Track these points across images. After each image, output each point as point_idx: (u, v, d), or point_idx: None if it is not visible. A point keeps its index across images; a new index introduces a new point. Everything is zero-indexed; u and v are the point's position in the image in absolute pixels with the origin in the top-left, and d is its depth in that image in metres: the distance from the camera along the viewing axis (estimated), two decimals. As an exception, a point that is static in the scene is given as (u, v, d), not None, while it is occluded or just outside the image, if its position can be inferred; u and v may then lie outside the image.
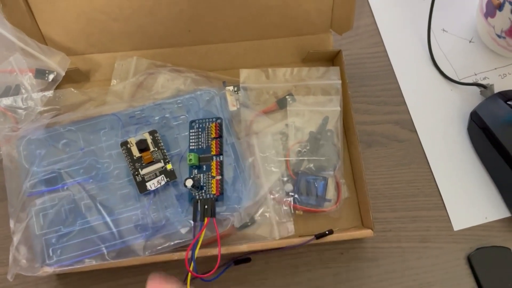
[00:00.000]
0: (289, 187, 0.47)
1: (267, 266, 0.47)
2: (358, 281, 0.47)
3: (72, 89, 0.48)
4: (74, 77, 0.50)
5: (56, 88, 0.48)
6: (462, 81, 0.54)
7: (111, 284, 0.46)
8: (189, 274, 0.39)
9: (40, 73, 0.47)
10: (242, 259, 0.46)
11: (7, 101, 0.46)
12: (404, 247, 0.48)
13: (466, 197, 0.50)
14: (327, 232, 0.44)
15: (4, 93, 0.48)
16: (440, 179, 0.50)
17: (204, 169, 0.44)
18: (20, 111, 0.46)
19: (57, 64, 0.47)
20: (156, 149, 0.44)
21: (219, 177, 0.44)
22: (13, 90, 0.47)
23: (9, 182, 0.43)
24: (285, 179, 0.48)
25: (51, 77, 0.47)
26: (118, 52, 0.51)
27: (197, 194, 0.43)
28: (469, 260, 0.48)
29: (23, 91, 0.47)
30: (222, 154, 0.45)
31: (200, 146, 0.45)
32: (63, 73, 0.47)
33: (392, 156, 0.51)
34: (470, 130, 0.52)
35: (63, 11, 0.47)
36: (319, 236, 0.44)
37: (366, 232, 0.44)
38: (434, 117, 0.53)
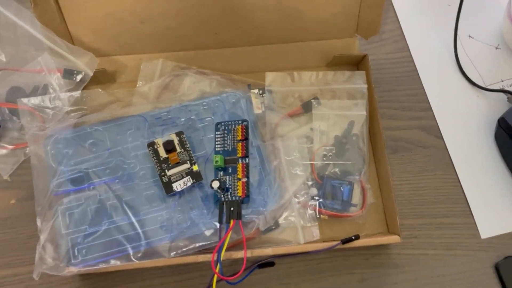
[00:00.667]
0: (314, 191, 0.47)
1: (291, 271, 0.46)
2: (383, 288, 0.46)
3: (99, 90, 0.48)
4: (100, 78, 0.51)
5: (83, 89, 0.48)
6: (488, 87, 0.54)
7: (134, 286, 0.46)
8: (215, 276, 0.39)
9: (68, 73, 0.48)
10: (266, 263, 0.46)
11: (35, 100, 0.47)
12: (430, 254, 0.47)
13: (494, 204, 0.49)
14: (353, 237, 0.43)
15: (32, 92, 0.48)
16: (467, 186, 0.50)
17: (230, 171, 0.44)
18: (47, 110, 0.46)
19: (85, 64, 0.47)
20: (182, 150, 0.44)
21: (245, 179, 0.44)
22: (41, 89, 0.48)
23: (36, 181, 0.43)
24: (310, 183, 0.47)
25: (79, 77, 0.48)
26: (144, 54, 0.51)
27: (222, 196, 0.43)
28: (496, 269, 0.47)
29: (51, 91, 0.48)
30: (248, 157, 0.45)
31: (226, 148, 0.45)
32: (91, 74, 0.48)
33: (417, 162, 0.51)
34: (498, 137, 0.51)
35: (92, 12, 0.47)
36: (345, 241, 0.43)
37: (393, 238, 0.44)
38: (460, 123, 0.52)
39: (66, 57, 0.47)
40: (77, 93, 0.47)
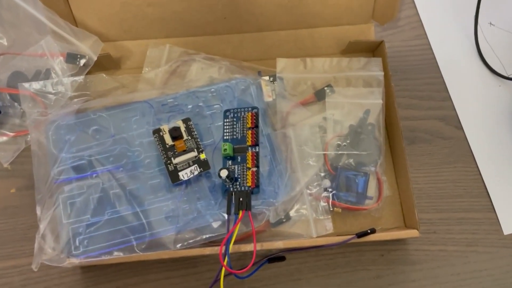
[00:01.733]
0: (327, 182, 0.45)
1: (302, 266, 0.44)
2: (400, 285, 0.44)
3: (104, 75, 0.46)
4: (105, 64, 0.49)
5: (87, 74, 0.47)
6: (511, 76, 0.51)
7: (138, 280, 0.44)
8: (223, 269, 0.37)
9: (71, 58, 0.46)
10: (276, 257, 0.44)
11: (36, 85, 0.45)
12: (450, 251, 0.45)
13: (518, 199, 0.47)
14: (369, 231, 0.41)
15: (34, 77, 0.46)
16: (489, 179, 0.47)
17: (239, 160, 0.42)
18: (50, 96, 0.45)
19: (89, 48, 0.46)
20: (189, 137, 0.42)
21: (254, 169, 0.42)
22: (43, 74, 0.46)
23: (36, 169, 0.42)
24: (323, 174, 0.45)
25: (82, 61, 0.46)
26: (150, 40, 0.50)
27: (231, 186, 0.41)
28: (520, 267, 0.44)
29: (54, 75, 0.46)
30: (258, 145, 0.43)
31: (234, 136, 0.43)
32: (95, 58, 0.46)
33: (436, 154, 0.48)
34: (521, 128, 0.48)
35: (97, -6, 0.46)
36: (360, 234, 0.41)
37: (411, 232, 0.41)
38: (481, 113, 0.50)
39: (69, 40, 0.45)
40: (80, 78, 0.45)
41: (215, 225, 0.41)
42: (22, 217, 0.45)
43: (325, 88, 0.47)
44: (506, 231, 0.46)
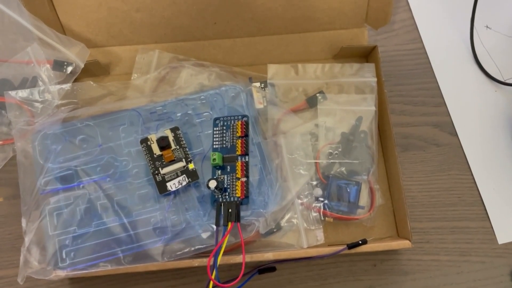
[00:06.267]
0: (319, 191, 0.44)
1: (293, 277, 0.44)
2: (392, 296, 0.43)
3: (91, 82, 0.45)
4: (93, 70, 0.48)
5: (75, 81, 0.46)
6: (507, 81, 0.50)
7: (127, 290, 0.43)
8: (211, 282, 0.36)
9: (58, 65, 0.45)
10: (266, 268, 0.43)
11: (23, 93, 0.44)
12: (443, 261, 0.44)
13: (512, 207, 0.46)
14: (360, 242, 0.40)
15: (21, 85, 0.46)
16: (484, 187, 0.46)
17: (228, 170, 0.41)
18: (36, 104, 0.44)
19: (76, 55, 0.45)
20: (177, 147, 0.42)
21: (244, 179, 0.41)
22: (30, 82, 0.46)
23: (22, 179, 0.41)
24: (315, 183, 0.45)
25: (69, 69, 0.45)
26: (139, 45, 0.49)
27: (220, 196, 0.40)
28: (515, 276, 0.44)
29: (40, 83, 0.45)
30: (247, 155, 0.42)
31: (224, 145, 0.42)
32: (82, 65, 0.45)
33: (430, 161, 0.48)
34: (517, 135, 0.48)
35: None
36: (351, 246, 0.40)
37: (403, 243, 0.41)
38: (476, 119, 0.49)
39: (56, 47, 0.44)
40: (67, 86, 0.44)
41: (205, 236, 0.41)
42: (9, 227, 0.45)
43: (317, 95, 0.47)
44: (500, 240, 0.45)
